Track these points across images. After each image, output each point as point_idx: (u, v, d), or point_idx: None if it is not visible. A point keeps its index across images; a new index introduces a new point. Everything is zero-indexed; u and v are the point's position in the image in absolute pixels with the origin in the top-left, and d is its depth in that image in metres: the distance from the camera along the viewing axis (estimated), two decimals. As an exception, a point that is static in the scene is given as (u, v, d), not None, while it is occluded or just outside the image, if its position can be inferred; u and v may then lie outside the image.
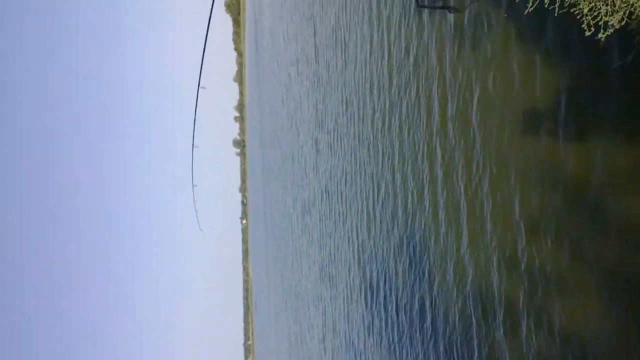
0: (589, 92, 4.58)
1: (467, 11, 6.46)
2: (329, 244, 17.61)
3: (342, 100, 14.85)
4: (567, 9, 3.49)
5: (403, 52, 9.38)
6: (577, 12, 3.38)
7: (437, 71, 7.71)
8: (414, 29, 8.75)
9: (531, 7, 3.68)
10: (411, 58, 9.03)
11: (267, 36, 43.94)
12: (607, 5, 3.04)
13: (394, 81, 9.92)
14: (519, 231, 5.88)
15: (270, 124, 40.80)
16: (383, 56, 10.62)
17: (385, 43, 10.49)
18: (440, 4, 6.54)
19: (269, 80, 41.80)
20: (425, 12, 7.70)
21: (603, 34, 3.11)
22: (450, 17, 6.84)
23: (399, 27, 9.73)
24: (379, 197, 11.49)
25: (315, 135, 19.72)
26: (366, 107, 12.16)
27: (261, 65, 51.61)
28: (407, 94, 9.20)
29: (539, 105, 5.34)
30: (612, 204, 4.61)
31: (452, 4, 6.56)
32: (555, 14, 3.52)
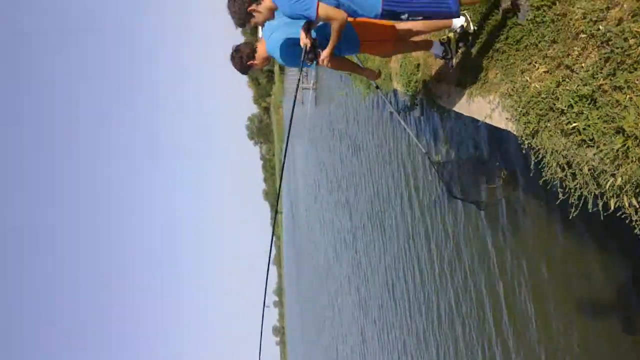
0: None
1: (499, 205, 6.57)
2: None
3: (385, 288, 14.70)
4: (611, 212, 3.46)
5: (443, 238, 9.44)
6: (624, 215, 3.33)
7: (482, 258, 7.59)
8: (451, 217, 8.93)
9: (574, 212, 3.67)
10: (451, 244, 9.03)
11: (303, 224, 45.73)
12: (656, 211, 3.00)
13: (436, 268, 9.80)
14: None
15: (310, 309, 40.04)
16: (422, 243, 10.72)
17: (422, 229, 10.67)
18: (471, 199, 6.72)
19: (308, 264, 42.26)
20: (459, 202, 7.90)
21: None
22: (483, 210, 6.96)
23: (437, 213, 9.96)
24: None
25: (360, 324, 19.13)
26: (410, 295, 11.89)
27: (298, 250, 52.81)
28: (453, 282, 8.98)
29: (593, 294, 5.04)
30: None
31: (483, 199, 6.73)
32: (601, 217, 3.48)
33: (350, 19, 5.16)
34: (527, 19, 4.95)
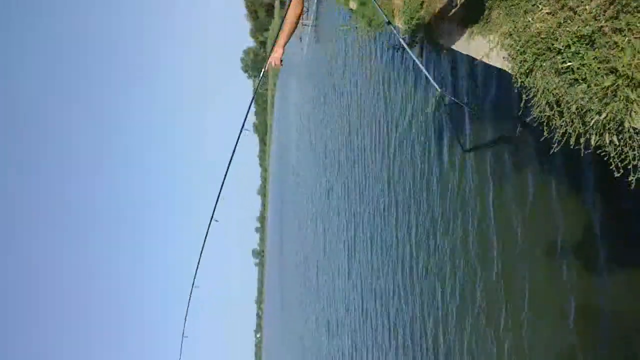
0: (619, 232, 4.56)
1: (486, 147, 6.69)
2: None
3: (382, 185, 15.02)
4: (592, 150, 3.60)
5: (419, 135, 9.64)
6: (604, 154, 3.48)
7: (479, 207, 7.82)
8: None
9: (556, 148, 3.81)
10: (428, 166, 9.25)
11: (293, 151, 45.84)
12: (633, 150, 3.14)
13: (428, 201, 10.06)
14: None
15: (292, 234, 41.06)
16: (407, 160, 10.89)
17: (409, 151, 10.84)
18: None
19: (293, 192, 42.88)
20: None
21: (633, 176, 3.17)
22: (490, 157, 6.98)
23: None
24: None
25: (346, 236, 19.62)
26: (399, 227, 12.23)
27: (285, 179, 53.35)
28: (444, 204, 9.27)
29: (565, 242, 5.30)
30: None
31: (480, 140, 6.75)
32: (582, 155, 3.62)
33: None
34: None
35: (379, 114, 13.69)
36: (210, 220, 6.44)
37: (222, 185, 5.74)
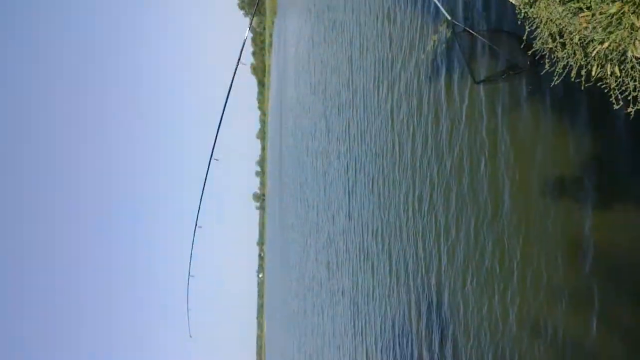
0: (619, 163, 4.55)
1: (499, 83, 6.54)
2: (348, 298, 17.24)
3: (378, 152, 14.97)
4: (593, 82, 3.52)
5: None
6: (604, 86, 3.40)
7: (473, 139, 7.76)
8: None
9: (557, 80, 3.72)
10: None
11: (292, 91, 45.20)
12: (635, 81, 3.06)
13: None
14: (548, 299, 5.69)
15: (291, 175, 41.28)
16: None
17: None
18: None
19: (292, 135, 42.67)
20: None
21: (632, 107, 3.11)
22: (483, 87, 6.86)
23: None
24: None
25: (345, 180, 19.74)
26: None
27: (284, 122, 52.96)
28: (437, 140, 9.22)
29: (565, 175, 5.30)
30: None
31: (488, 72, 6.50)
32: (582, 87, 3.54)
33: None
34: None
35: (383, 48, 13.25)
36: (210, 159, 6.41)
37: (220, 123, 5.65)
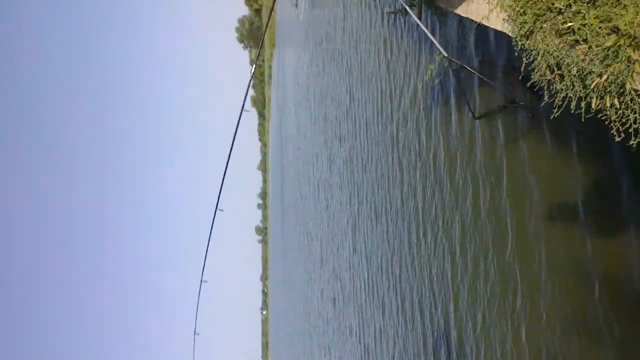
0: (620, 194, 4.51)
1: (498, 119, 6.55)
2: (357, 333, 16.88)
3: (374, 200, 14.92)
4: (593, 114, 3.50)
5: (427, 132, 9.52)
6: (604, 117, 3.38)
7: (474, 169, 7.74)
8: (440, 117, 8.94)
9: (557, 112, 3.71)
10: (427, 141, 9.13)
11: (293, 121, 45.53)
12: (635, 113, 3.05)
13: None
14: (552, 328, 5.55)
15: (293, 205, 41.15)
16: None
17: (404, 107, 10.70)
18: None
19: (293, 166, 42.76)
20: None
21: (634, 140, 3.08)
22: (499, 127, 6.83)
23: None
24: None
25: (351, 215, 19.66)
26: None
27: (285, 153, 53.19)
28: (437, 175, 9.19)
29: (568, 206, 5.24)
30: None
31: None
32: (582, 120, 3.53)
33: None
34: None
35: (382, 78, 13.34)
36: (216, 210, 6.26)
37: (224, 175, 5.54)
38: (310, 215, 30.60)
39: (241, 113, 4.74)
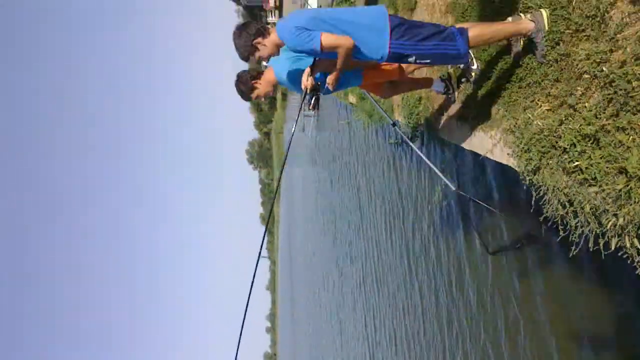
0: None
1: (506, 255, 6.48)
2: None
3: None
4: (613, 251, 3.45)
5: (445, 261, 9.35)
6: (624, 254, 3.32)
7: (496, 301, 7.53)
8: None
9: (575, 250, 3.66)
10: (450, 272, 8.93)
11: (302, 239, 45.42)
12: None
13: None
14: None
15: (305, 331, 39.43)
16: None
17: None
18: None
19: (304, 288, 41.81)
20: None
21: (661, 280, 2.99)
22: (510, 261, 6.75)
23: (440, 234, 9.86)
24: None
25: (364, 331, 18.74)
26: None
27: (294, 273, 52.35)
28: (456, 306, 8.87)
29: (584, 344, 4.97)
30: None
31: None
32: (602, 256, 3.47)
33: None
34: (545, 57, 4.74)
35: (392, 198, 13.51)
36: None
37: (241, 329, 5.35)
38: (323, 342, 29.26)
39: (258, 259, 4.70)
